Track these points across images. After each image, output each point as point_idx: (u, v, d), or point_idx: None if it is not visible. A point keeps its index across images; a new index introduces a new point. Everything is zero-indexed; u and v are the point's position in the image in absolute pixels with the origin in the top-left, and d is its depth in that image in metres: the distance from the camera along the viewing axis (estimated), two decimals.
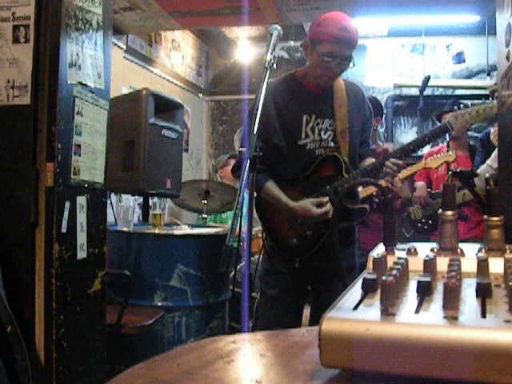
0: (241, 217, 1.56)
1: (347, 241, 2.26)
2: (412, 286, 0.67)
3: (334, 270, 2.17)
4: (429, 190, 3.54)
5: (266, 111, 2.09)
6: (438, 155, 3.09)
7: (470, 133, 5.48)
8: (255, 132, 1.67)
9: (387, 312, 0.58)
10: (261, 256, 2.25)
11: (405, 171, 3.11)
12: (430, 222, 3.43)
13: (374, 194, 3.10)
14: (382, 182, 2.95)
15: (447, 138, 3.26)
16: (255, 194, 2.23)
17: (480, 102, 5.40)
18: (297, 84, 2.20)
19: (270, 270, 2.24)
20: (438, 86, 5.50)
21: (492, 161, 2.78)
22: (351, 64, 2.08)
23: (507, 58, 1.94)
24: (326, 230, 2.12)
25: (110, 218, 3.00)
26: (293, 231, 2.16)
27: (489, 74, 5.26)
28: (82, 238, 1.94)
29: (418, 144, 2.10)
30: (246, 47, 5.84)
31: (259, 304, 2.45)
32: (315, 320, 2.27)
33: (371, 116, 2.33)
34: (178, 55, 5.36)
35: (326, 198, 2.11)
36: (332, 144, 2.17)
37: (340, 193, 2.06)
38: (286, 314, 2.22)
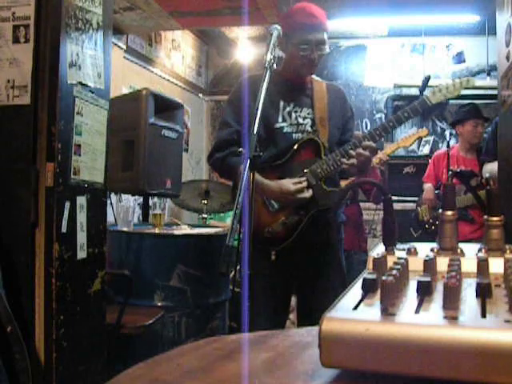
0: (241, 217, 1.55)
1: (333, 237, 2.19)
2: (412, 286, 0.67)
3: (318, 267, 2.13)
4: (437, 191, 3.55)
5: (243, 98, 2.12)
6: (410, 133, 3.12)
7: None
8: (255, 132, 1.66)
9: (387, 312, 0.58)
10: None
11: (381, 154, 3.11)
12: (438, 222, 3.44)
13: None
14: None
15: (451, 141, 3.28)
16: (231, 182, 2.19)
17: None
18: (277, 76, 2.18)
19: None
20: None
21: None
22: (327, 48, 2.11)
23: (507, 58, 1.94)
24: (304, 217, 2.06)
25: (110, 218, 3.00)
26: (268, 219, 2.08)
27: (489, 74, 5.26)
28: (82, 238, 1.94)
29: (398, 120, 2.09)
30: (245, 47, 5.84)
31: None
32: (303, 324, 2.20)
33: (352, 117, 2.32)
34: (178, 55, 5.36)
35: (304, 178, 2.07)
36: (310, 129, 2.15)
37: (321, 175, 2.04)
38: (263, 315, 2.07)
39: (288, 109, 2.16)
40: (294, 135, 2.14)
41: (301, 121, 2.15)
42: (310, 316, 2.15)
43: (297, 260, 2.13)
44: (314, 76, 2.28)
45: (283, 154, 2.12)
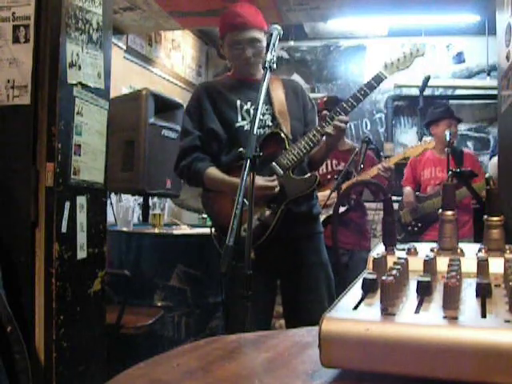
0: (240, 216, 1.55)
1: (310, 230, 2.18)
2: (412, 285, 0.67)
3: (299, 263, 2.11)
4: (417, 193, 3.59)
5: (200, 104, 2.15)
6: (418, 144, 3.12)
7: (469, 133, 5.50)
8: (255, 132, 1.66)
9: (387, 312, 0.58)
10: None
11: (385, 161, 3.12)
12: (420, 224, 3.50)
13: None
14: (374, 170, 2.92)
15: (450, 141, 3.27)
16: (201, 190, 2.18)
17: (480, 102, 5.42)
18: (230, 79, 2.23)
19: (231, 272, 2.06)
20: (437, 86, 5.51)
21: None
22: (263, 44, 2.11)
23: (507, 57, 1.94)
24: (277, 210, 2.04)
25: (110, 218, 3.00)
26: (243, 219, 2.07)
27: (489, 74, 5.26)
28: (82, 238, 1.94)
29: (356, 99, 2.09)
30: None
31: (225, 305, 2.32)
32: (290, 321, 2.18)
33: (314, 109, 2.32)
34: (178, 55, 5.36)
35: (273, 176, 2.05)
36: (270, 123, 2.15)
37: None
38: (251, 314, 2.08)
39: (246, 107, 2.15)
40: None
41: (260, 117, 2.13)
42: (296, 313, 2.13)
43: (276, 256, 2.10)
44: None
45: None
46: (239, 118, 2.13)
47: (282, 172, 2.06)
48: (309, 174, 2.13)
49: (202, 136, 2.14)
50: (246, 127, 2.12)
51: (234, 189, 1.99)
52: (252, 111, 2.15)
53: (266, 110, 2.16)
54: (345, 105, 2.09)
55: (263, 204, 2.07)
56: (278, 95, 2.20)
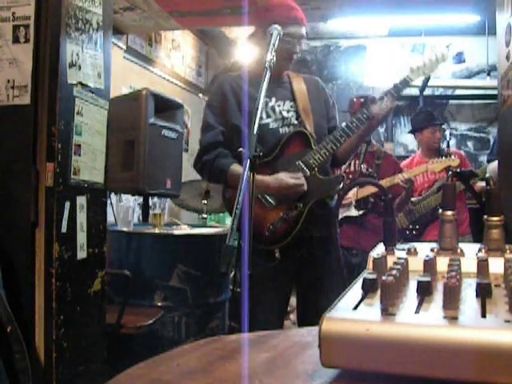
0: (240, 217, 1.55)
1: (330, 230, 2.14)
2: (412, 285, 0.67)
3: (316, 263, 2.12)
4: (412, 199, 3.62)
5: (224, 99, 2.12)
6: (441, 159, 3.14)
7: (469, 133, 5.50)
8: (255, 132, 1.66)
9: (387, 312, 0.58)
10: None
11: (407, 173, 3.14)
12: (417, 227, 3.51)
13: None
14: (382, 182, 2.95)
15: (451, 141, 3.30)
16: (224, 190, 2.17)
17: (480, 102, 5.42)
18: (253, 75, 2.16)
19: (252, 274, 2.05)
20: (438, 86, 5.51)
21: None
22: (305, 44, 2.14)
23: (507, 57, 1.94)
24: (303, 210, 2.04)
25: (110, 218, 3.00)
26: (267, 218, 2.05)
27: (489, 74, 5.27)
28: (81, 238, 1.94)
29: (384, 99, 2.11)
30: (245, 47, 5.84)
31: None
32: (303, 322, 2.19)
33: (334, 105, 2.33)
34: (178, 55, 5.36)
35: (300, 173, 2.05)
36: (295, 122, 2.14)
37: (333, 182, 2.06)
38: (265, 316, 2.04)
39: (271, 104, 2.14)
40: (280, 130, 2.13)
41: (285, 114, 2.15)
42: (312, 316, 2.13)
43: (299, 257, 2.10)
44: (289, 71, 2.27)
45: (272, 150, 2.10)
46: (264, 115, 2.12)
47: (308, 172, 2.06)
48: (335, 175, 2.15)
49: (225, 131, 2.11)
50: (272, 125, 2.12)
51: (258, 186, 2.01)
52: (277, 108, 2.14)
53: (291, 107, 2.16)
54: (377, 100, 2.12)
55: (288, 203, 2.06)
56: (301, 92, 2.19)
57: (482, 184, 3.36)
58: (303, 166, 2.07)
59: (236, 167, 2.05)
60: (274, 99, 2.15)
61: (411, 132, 3.93)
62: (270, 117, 2.13)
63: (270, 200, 2.07)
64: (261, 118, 2.10)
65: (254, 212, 2.02)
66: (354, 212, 3.18)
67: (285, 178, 2.03)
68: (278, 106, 2.15)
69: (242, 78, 2.20)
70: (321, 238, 2.12)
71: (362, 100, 3.36)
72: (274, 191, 2.05)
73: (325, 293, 2.10)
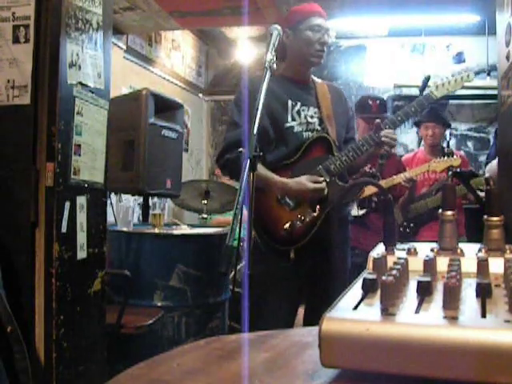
0: (241, 217, 1.55)
1: (343, 234, 2.22)
2: (412, 285, 0.67)
3: (328, 268, 2.14)
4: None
5: (252, 98, 2.10)
6: (443, 159, 3.13)
7: (469, 133, 5.50)
8: (255, 132, 1.66)
9: (387, 312, 0.58)
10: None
11: (409, 172, 3.14)
12: (412, 224, 3.50)
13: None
14: (383, 182, 2.96)
15: (451, 141, 3.30)
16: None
17: (480, 102, 5.42)
18: (280, 77, 2.21)
19: (265, 271, 2.01)
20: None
21: None
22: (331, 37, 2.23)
23: (507, 57, 1.94)
24: (321, 213, 2.07)
25: (110, 218, 3.00)
26: (284, 218, 2.09)
27: (489, 74, 5.26)
28: (81, 238, 1.94)
29: (406, 114, 2.16)
30: (245, 47, 5.84)
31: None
32: (309, 322, 2.20)
33: (353, 116, 2.40)
34: (178, 55, 5.36)
35: (321, 178, 2.10)
36: (319, 127, 2.19)
37: (334, 172, 2.10)
38: (276, 316, 2.09)
39: (296, 108, 2.18)
40: (304, 134, 2.17)
41: (309, 119, 2.19)
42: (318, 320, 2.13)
43: (313, 259, 2.13)
44: (313, 77, 2.31)
45: (294, 153, 2.14)
46: (289, 118, 2.16)
47: (328, 178, 2.10)
48: (355, 183, 2.19)
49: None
50: (296, 128, 2.16)
51: (279, 188, 2.05)
52: (302, 113, 2.19)
53: (314, 113, 2.20)
54: (394, 119, 2.15)
55: (307, 205, 2.10)
56: (326, 100, 2.24)
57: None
58: (324, 171, 2.11)
59: (259, 167, 2.07)
60: (299, 103, 2.19)
61: (415, 125, 3.95)
62: (294, 120, 2.17)
63: (288, 201, 2.11)
64: (286, 121, 2.15)
65: (272, 212, 2.08)
66: (356, 212, 3.18)
67: (306, 181, 2.07)
68: (303, 110, 2.19)
69: (270, 80, 2.23)
70: (336, 241, 2.16)
71: (377, 102, 3.36)
72: (294, 194, 2.09)
73: (333, 297, 2.10)
